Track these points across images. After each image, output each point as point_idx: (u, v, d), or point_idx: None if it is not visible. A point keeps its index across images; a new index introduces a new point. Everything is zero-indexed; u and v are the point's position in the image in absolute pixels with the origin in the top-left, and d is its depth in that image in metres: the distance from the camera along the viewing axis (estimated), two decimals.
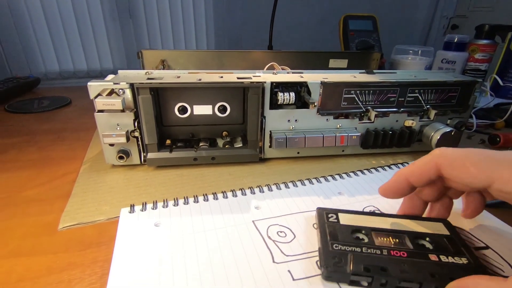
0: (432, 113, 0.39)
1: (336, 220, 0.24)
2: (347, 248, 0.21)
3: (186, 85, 0.33)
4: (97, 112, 0.33)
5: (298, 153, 0.39)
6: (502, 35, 0.67)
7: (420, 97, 0.38)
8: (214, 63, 0.56)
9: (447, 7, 1.92)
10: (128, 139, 0.33)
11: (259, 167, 0.38)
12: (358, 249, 0.21)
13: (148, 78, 0.34)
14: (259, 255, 0.23)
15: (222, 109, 0.37)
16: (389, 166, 0.37)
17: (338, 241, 0.22)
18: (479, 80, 0.39)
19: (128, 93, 0.32)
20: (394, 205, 0.29)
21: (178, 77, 0.35)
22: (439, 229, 0.24)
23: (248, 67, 0.57)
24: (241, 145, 0.39)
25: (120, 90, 0.32)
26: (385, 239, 0.23)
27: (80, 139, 0.45)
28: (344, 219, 0.24)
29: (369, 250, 0.21)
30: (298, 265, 0.22)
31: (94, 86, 0.31)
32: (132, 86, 0.32)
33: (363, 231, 0.23)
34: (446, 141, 0.38)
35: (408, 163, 0.38)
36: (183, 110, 0.36)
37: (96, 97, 0.32)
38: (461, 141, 0.46)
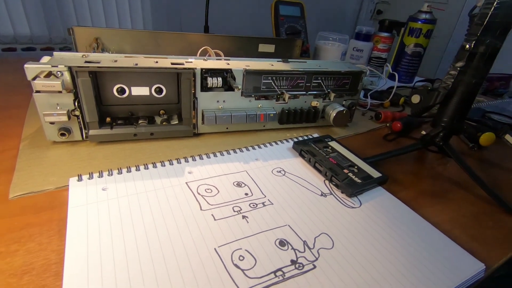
0: (332, 95, 0.50)
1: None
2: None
3: (124, 69, 0.37)
4: (35, 92, 0.35)
5: (227, 128, 0.47)
6: (397, 29, 0.82)
7: (322, 83, 0.49)
8: (150, 44, 0.59)
9: None
10: (69, 117, 0.37)
11: (193, 141, 0.44)
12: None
13: (86, 62, 0.37)
14: (190, 205, 0.31)
15: (159, 91, 0.42)
16: (297, 138, 0.47)
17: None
18: (364, 70, 0.50)
19: (67, 75, 0.35)
20: (296, 167, 0.39)
21: (115, 61, 0.38)
22: (373, 173, 0.37)
23: (184, 48, 0.61)
24: (177, 122, 0.44)
25: (58, 73, 0.35)
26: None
27: (12, 117, 0.46)
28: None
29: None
30: (219, 210, 0.31)
31: (31, 69, 0.34)
32: (70, 69, 0.35)
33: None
34: (340, 117, 0.50)
35: (312, 135, 0.48)
36: (121, 91, 0.40)
37: (34, 78, 0.34)
38: (357, 117, 0.59)
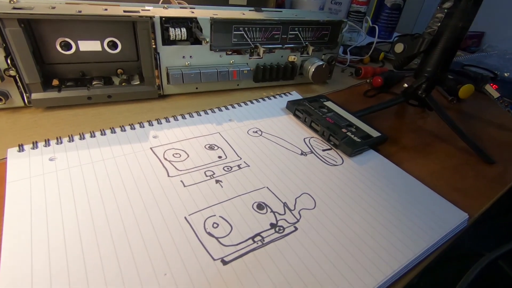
0: (310, 49, 0.46)
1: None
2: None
3: (64, 17, 0.31)
4: None
5: (196, 88, 0.42)
6: None
7: (299, 34, 0.44)
8: None
9: None
10: (2, 78, 0.31)
11: (159, 103, 0.40)
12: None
13: (14, 8, 0.30)
14: (155, 173, 0.27)
15: (112, 45, 0.36)
16: (274, 96, 0.43)
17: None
18: (344, 20, 0.46)
19: None
20: (273, 126, 0.36)
21: (53, 7, 0.32)
22: (372, 132, 0.35)
23: None
24: (139, 82, 0.39)
25: None
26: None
27: None
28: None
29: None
30: (189, 176, 0.27)
31: None
32: None
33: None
34: (320, 73, 0.46)
35: (291, 93, 0.45)
36: (66, 46, 0.34)
37: None
38: (336, 74, 0.56)
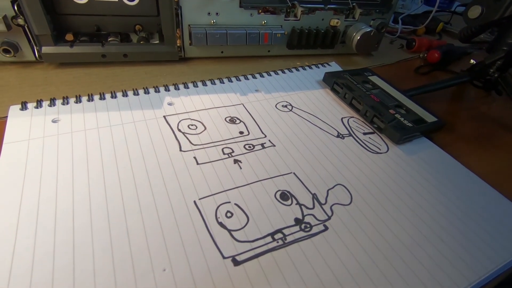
0: (357, 12, 0.38)
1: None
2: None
3: None
4: None
5: (222, 52, 0.37)
6: None
7: None
8: None
9: None
10: (9, 27, 0.28)
11: (180, 66, 0.35)
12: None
13: None
14: (166, 146, 0.23)
15: None
16: (309, 66, 0.37)
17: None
18: None
19: None
20: (306, 101, 0.31)
21: None
22: (426, 116, 0.29)
23: None
24: (158, 41, 0.35)
25: None
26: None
27: None
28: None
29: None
30: (204, 152, 0.23)
31: None
32: None
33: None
34: (366, 41, 0.39)
35: (329, 64, 0.39)
36: None
37: None
38: (384, 45, 0.48)
